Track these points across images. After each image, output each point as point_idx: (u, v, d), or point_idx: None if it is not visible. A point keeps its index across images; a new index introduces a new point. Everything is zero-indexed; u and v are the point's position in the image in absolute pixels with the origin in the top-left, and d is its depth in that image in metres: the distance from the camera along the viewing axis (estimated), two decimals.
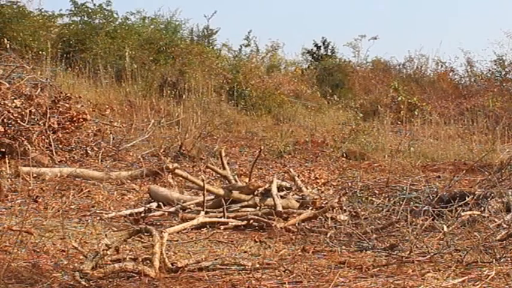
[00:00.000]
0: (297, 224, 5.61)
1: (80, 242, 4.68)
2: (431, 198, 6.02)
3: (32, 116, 8.23)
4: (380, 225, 5.38)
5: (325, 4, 33.33)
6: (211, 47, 17.97)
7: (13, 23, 13.42)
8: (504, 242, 4.64)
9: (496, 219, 5.33)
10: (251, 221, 5.76)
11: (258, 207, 6.09)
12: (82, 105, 9.30)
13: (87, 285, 3.70)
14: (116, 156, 8.95)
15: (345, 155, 10.57)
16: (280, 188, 6.47)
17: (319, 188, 7.51)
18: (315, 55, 21.30)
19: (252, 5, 33.17)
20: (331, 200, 6.32)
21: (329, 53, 21.16)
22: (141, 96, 12.64)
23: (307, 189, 6.97)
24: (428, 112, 14.32)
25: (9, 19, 13.48)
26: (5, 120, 7.92)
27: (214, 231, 5.37)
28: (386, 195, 6.57)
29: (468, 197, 5.83)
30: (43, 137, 8.25)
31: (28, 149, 7.80)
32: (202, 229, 5.52)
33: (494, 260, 4.15)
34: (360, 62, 21.39)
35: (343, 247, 4.79)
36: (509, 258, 4.19)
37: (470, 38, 35.60)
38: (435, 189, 6.35)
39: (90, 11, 15.04)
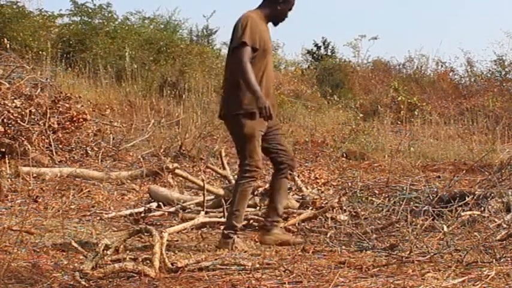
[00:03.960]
0: (297, 224, 5.61)
1: (80, 242, 4.68)
2: (431, 198, 6.01)
3: (32, 116, 8.23)
4: (380, 225, 5.36)
5: (325, 4, 33.38)
6: (210, 46, 17.99)
7: (13, 23, 13.44)
8: (504, 242, 4.62)
9: (496, 219, 5.32)
10: (251, 221, 5.75)
11: (258, 207, 6.08)
12: (82, 105, 9.29)
13: (87, 285, 3.70)
14: (116, 156, 8.95)
15: (345, 155, 10.56)
16: None
17: (319, 188, 7.50)
18: (315, 55, 21.33)
19: (252, 5, 33.21)
20: (331, 200, 6.30)
21: (329, 53, 21.21)
22: (141, 96, 12.65)
23: (307, 189, 6.97)
24: (428, 112, 14.32)
25: (9, 19, 13.50)
26: (5, 120, 7.92)
27: (214, 232, 5.36)
28: (387, 195, 6.56)
29: (468, 197, 5.82)
30: (43, 137, 8.24)
31: (28, 149, 7.80)
32: (202, 229, 5.52)
33: (494, 260, 4.14)
34: (360, 62, 21.44)
35: (343, 247, 4.78)
36: (509, 258, 4.18)
37: (470, 38, 35.69)
38: (435, 189, 6.33)
39: (90, 11, 15.07)
